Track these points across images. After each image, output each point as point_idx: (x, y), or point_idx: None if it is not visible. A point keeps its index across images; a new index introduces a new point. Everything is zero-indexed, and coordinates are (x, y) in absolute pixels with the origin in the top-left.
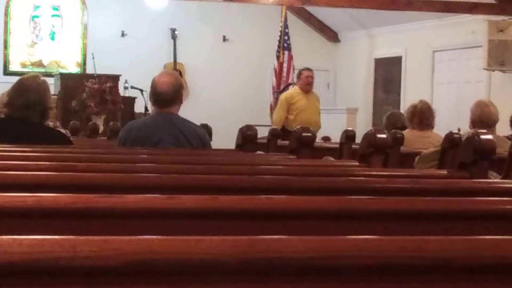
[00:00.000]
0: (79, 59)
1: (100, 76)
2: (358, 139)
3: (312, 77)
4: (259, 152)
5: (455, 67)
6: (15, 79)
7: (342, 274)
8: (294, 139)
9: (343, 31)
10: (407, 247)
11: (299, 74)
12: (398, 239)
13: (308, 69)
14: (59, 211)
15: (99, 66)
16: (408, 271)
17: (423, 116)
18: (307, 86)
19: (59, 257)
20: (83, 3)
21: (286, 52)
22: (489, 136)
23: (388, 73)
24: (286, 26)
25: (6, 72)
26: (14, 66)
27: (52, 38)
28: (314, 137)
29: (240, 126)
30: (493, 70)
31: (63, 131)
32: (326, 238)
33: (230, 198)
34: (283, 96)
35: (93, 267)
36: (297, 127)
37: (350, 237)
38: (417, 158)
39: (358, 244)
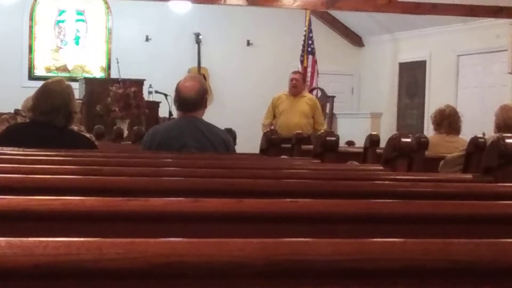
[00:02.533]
0: (103, 63)
1: (124, 81)
2: (382, 144)
3: (296, 79)
4: (283, 156)
5: (480, 71)
6: (40, 83)
7: (367, 277)
8: (318, 144)
9: (367, 35)
10: (432, 250)
11: None
12: (423, 242)
13: (294, 72)
14: (84, 214)
15: (124, 71)
16: (433, 274)
17: (452, 120)
18: (292, 89)
19: (85, 259)
20: (108, 7)
21: (310, 57)
22: None
23: (412, 77)
24: (310, 30)
25: (31, 77)
26: (39, 71)
27: (77, 43)
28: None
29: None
30: None
31: (87, 135)
32: (351, 241)
33: (254, 202)
34: (272, 99)
35: (118, 269)
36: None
37: (375, 240)
38: (441, 163)
39: (383, 247)
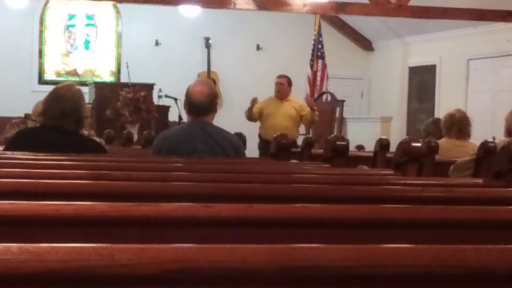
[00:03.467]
0: (113, 68)
1: (134, 85)
2: (392, 148)
3: (281, 83)
4: (293, 160)
5: (490, 76)
6: (50, 88)
7: (378, 283)
8: (328, 148)
9: (377, 39)
10: (443, 256)
11: None
12: (434, 248)
13: (279, 76)
14: (95, 219)
15: (133, 75)
16: (445, 279)
17: (462, 125)
18: (277, 93)
19: (97, 265)
20: (118, 12)
21: (320, 61)
22: None
23: (422, 81)
24: (320, 34)
25: (41, 81)
26: (49, 75)
27: (87, 47)
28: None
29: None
30: None
31: (97, 139)
32: (362, 247)
33: (265, 207)
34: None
35: (130, 275)
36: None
37: (386, 245)
38: (452, 167)
39: (394, 253)
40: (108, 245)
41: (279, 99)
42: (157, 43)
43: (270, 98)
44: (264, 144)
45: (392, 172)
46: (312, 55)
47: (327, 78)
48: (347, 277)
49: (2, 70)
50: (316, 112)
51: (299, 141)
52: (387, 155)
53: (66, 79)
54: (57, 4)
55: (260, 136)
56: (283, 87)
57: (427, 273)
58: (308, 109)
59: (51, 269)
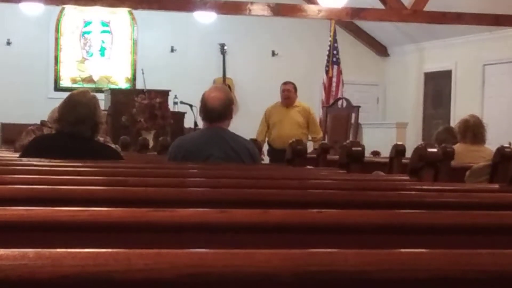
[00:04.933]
0: (129, 74)
1: (149, 92)
2: (408, 154)
3: (288, 90)
4: (308, 166)
5: (506, 81)
6: (65, 95)
7: None
8: (344, 154)
9: (393, 45)
10: (460, 261)
11: None
12: (451, 253)
13: (285, 83)
14: (111, 225)
15: (149, 82)
16: (461, 284)
17: (477, 130)
18: (284, 100)
19: (113, 270)
20: (133, 18)
21: (335, 67)
22: None
23: (438, 87)
24: (335, 40)
25: (57, 88)
26: (64, 82)
27: (102, 54)
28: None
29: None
30: None
31: (113, 146)
32: (379, 252)
33: (280, 212)
34: (265, 110)
35: (146, 280)
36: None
37: (403, 250)
38: (468, 173)
39: (411, 258)
40: (125, 250)
41: (285, 107)
42: (172, 50)
43: (276, 105)
44: (273, 152)
45: (408, 178)
46: (328, 61)
47: (343, 84)
48: (363, 282)
49: (18, 77)
50: (318, 136)
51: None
52: (403, 161)
53: (81, 85)
54: (73, 11)
55: (268, 143)
56: (291, 93)
57: (444, 278)
58: (313, 111)
59: (67, 274)
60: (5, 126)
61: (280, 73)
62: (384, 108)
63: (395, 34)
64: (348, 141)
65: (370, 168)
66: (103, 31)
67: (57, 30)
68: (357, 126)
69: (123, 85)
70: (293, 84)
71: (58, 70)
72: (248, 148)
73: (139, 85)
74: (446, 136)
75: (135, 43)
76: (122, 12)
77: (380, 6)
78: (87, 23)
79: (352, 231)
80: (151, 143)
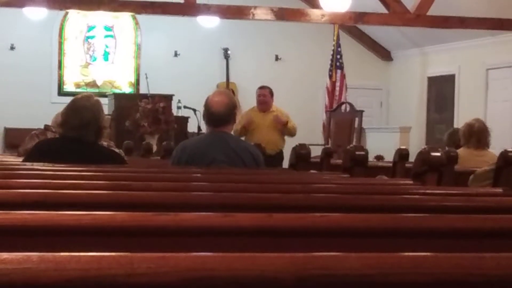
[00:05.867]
0: (132, 79)
1: (153, 96)
2: (411, 158)
3: (264, 95)
4: (312, 171)
5: (509, 85)
6: (69, 99)
7: None
8: (347, 158)
9: (396, 49)
10: (463, 264)
11: None
12: (455, 256)
13: (261, 88)
14: (115, 229)
15: (152, 86)
16: None
17: (481, 135)
18: (260, 105)
19: (117, 274)
20: (136, 23)
21: (339, 71)
22: None
23: (441, 91)
24: (338, 44)
25: (61, 93)
26: (68, 87)
27: (106, 59)
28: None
29: (293, 145)
30: None
31: (117, 150)
32: (382, 255)
33: (284, 216)
34: (242, 113)
35: (150, 283)
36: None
37: (406, 254)
38: (471, 177)
39: (414, 261)
40: (128, 254)
41: (262, 111)
42: (176, 54)
43: (252, 110)
44: None
45: (411, 182)
46: (331, 65)
47: (346, 88)
48: (366, 286)
49: (21, 82)
50: (290, 124)
51: (286, 151)
52: (406, 165)
53: (85, 90)
54: (76, 15)
55: None
56: (267, 98)
57: (447, 282)
58: (289, 115)
59: (71, 278)
60: (9, 130)
61: (284, 77)
62: (388, 112)
63: (399, 39)
64: (351, 146)
65: (373, 172)
66: (107, 36)
67: (60, 34)
68: (361, 130)
69: (127, 89)
70: (269, 88)
71: (62, 75)
72: (252, 152)
73: (142, 90)
74: (449, 141)
75: (138, 47)
76: (125, 17)
77: (384, 10)
78: (90, 28)
79: (355, 235)
80: (154, 148)
